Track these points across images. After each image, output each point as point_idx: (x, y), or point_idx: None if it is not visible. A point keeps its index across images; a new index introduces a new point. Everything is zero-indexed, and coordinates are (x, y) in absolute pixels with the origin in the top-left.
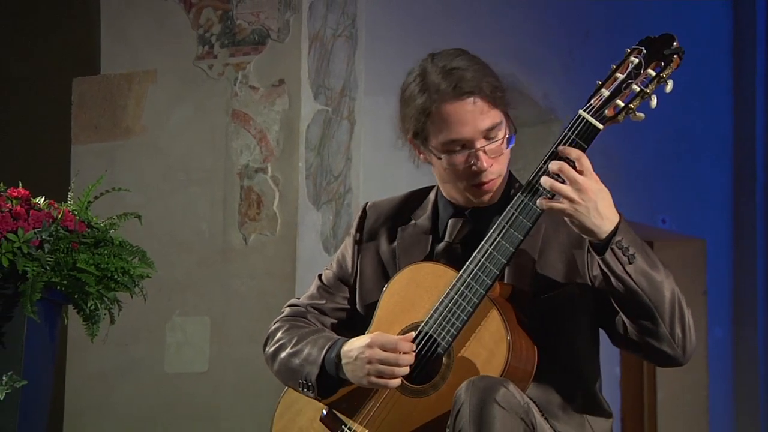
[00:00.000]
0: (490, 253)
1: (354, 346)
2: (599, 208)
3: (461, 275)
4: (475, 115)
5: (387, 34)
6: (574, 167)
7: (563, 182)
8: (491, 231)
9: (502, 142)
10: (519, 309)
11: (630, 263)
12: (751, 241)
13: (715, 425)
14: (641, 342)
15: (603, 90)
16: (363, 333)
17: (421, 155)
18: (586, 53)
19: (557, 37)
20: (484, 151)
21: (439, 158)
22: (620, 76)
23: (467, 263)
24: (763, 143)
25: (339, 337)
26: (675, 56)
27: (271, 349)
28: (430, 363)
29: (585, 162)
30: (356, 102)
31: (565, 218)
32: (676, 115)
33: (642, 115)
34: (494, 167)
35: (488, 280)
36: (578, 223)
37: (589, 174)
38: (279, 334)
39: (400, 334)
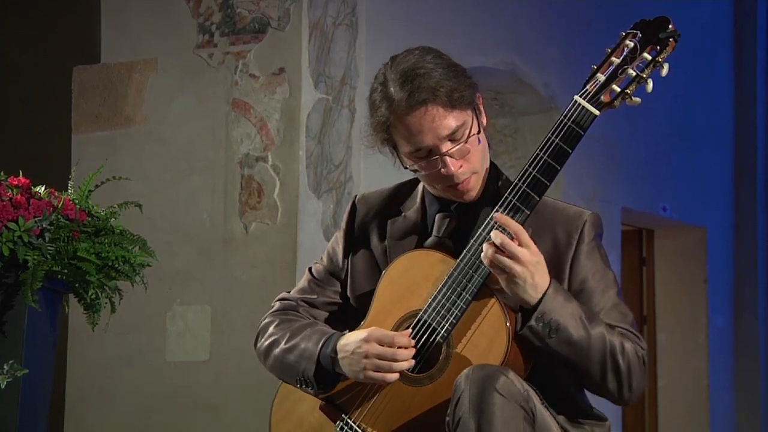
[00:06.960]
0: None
1: (350, 340)
2: (535, 280)
3: (459, 263)
4: (433, 123)
5: (387, 23)
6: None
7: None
8: (489, 219)
9: (468, 141)
10: None
11: (551, 336)
12: (751, 230)
13: (716, 414)
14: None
15: (598, 75)
16: (357, 325)
17: (396, 161)
18: (587, 43)
19: (558, 26)
20: (451, 155)
21: (409, 166)
22: (616, 61)
23: (464, 251)
24: (763, 132)
25: (333, 331)
26: (671, 39)
27: (265, 344)
28: (429, 351)
29: (524, 236)
30: (357, 90)
31: (502, 284)
32: (678, 104)
33: (638, 99)
34: (464, 167)
35: (486, 269)
36: (512, 294)
37: (527, 246)
38: (271, 329)
39: (398, 322)
